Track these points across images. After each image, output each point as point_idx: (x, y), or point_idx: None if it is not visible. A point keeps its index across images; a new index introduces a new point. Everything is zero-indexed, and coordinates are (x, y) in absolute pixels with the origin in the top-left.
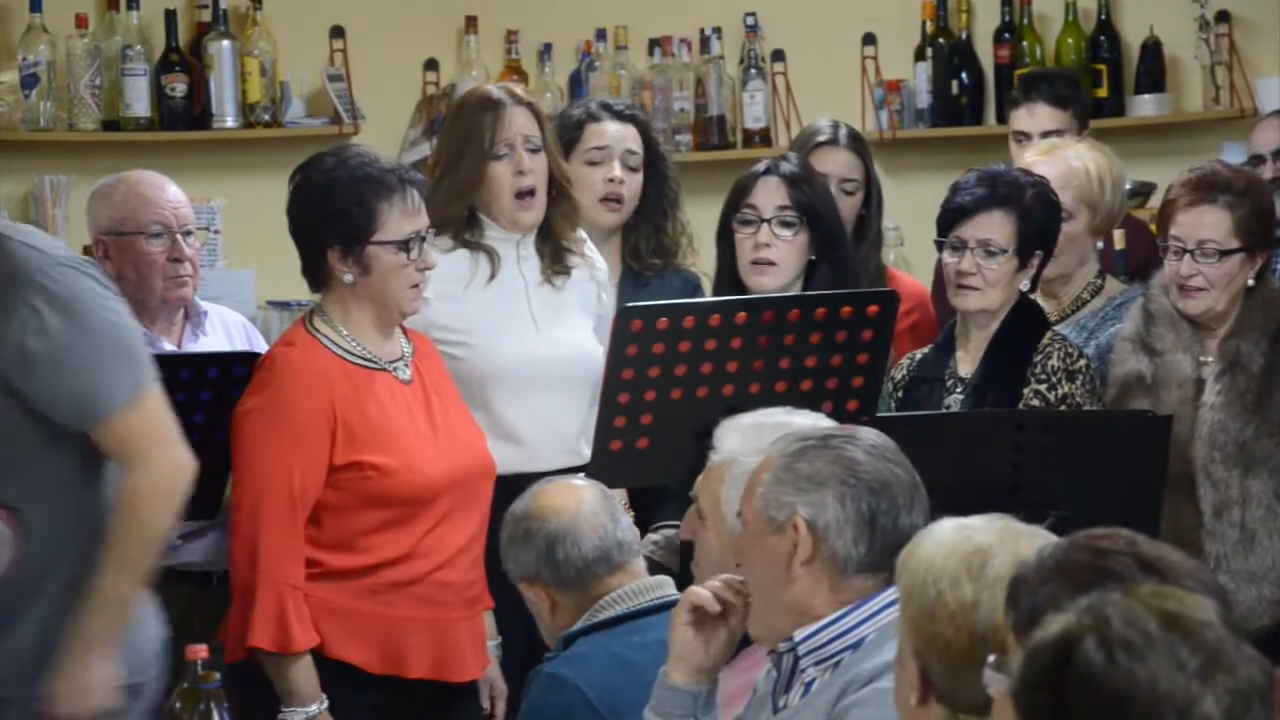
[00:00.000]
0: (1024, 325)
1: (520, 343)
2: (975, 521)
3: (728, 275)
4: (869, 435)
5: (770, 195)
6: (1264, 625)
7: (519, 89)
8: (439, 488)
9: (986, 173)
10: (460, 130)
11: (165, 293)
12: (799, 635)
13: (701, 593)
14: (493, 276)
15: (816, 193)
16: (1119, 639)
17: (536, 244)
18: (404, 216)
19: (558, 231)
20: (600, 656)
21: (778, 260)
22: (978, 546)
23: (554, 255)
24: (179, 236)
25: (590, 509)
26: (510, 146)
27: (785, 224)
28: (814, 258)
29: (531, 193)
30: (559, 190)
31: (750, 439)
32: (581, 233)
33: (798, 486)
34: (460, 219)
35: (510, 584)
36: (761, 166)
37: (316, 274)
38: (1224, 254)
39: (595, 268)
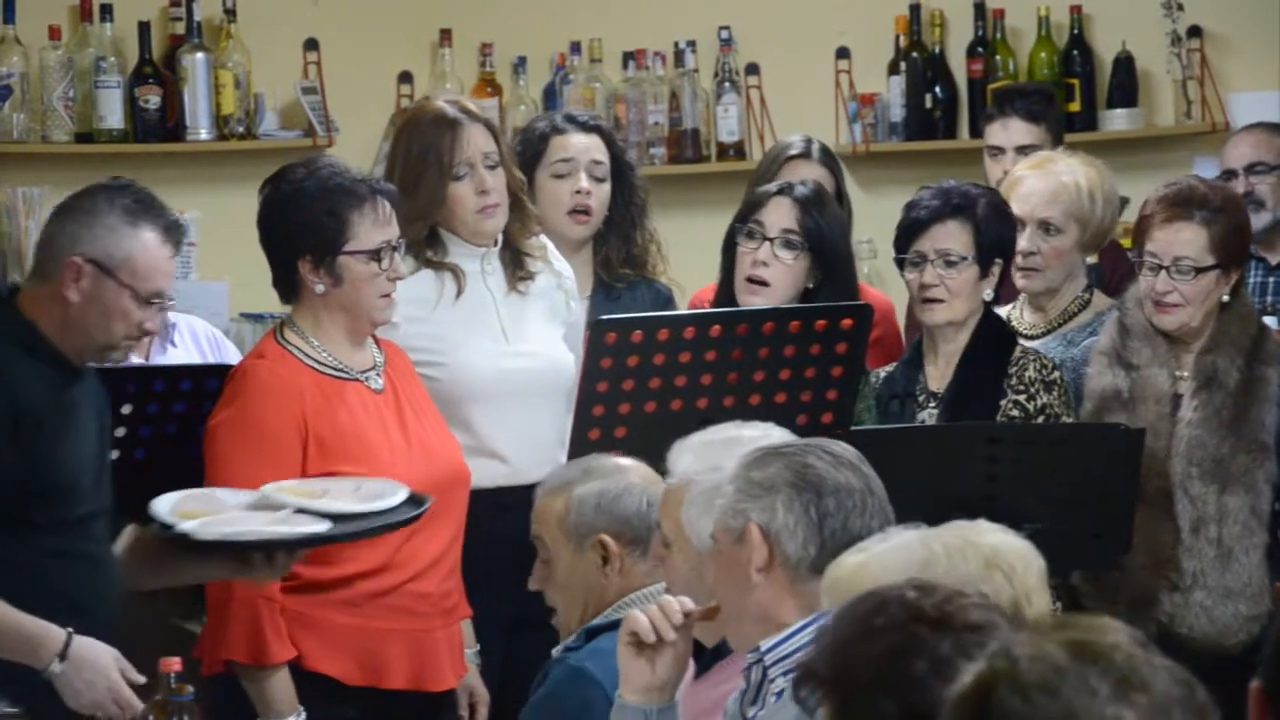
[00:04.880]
0: (993, 338)
1: (492, 357)
2: (904, 534)
3: (728, 287)
4: (830, 445)
5: (779, 215)
6: (1240, 641)
7: (471, 104)
8: None
9: (939, 187)
10: (416, 150)
11: None
12: (765, 645)
13: (639, 619)
14: (459, 293)
15: (827, 220)
16: (1031, 679)
17: (500, 256)
18: (375, 226)
19: (516, 240)
20: None
21: (771, 281)
22: (978, 543)
23: (515, 262)
24: None
25: None
26: (470, 166)
27: (787, 245)
28: (812, 285)
29: (496, 206)
30: (514, 199)
31: (702, 457)
32: (544, 239)
33: (751, 494)
34: (420, 240)
35: (487, 590)
36: (775, 186)
37: (287, 285)
38: (1199, 271)
39: (561, 275)
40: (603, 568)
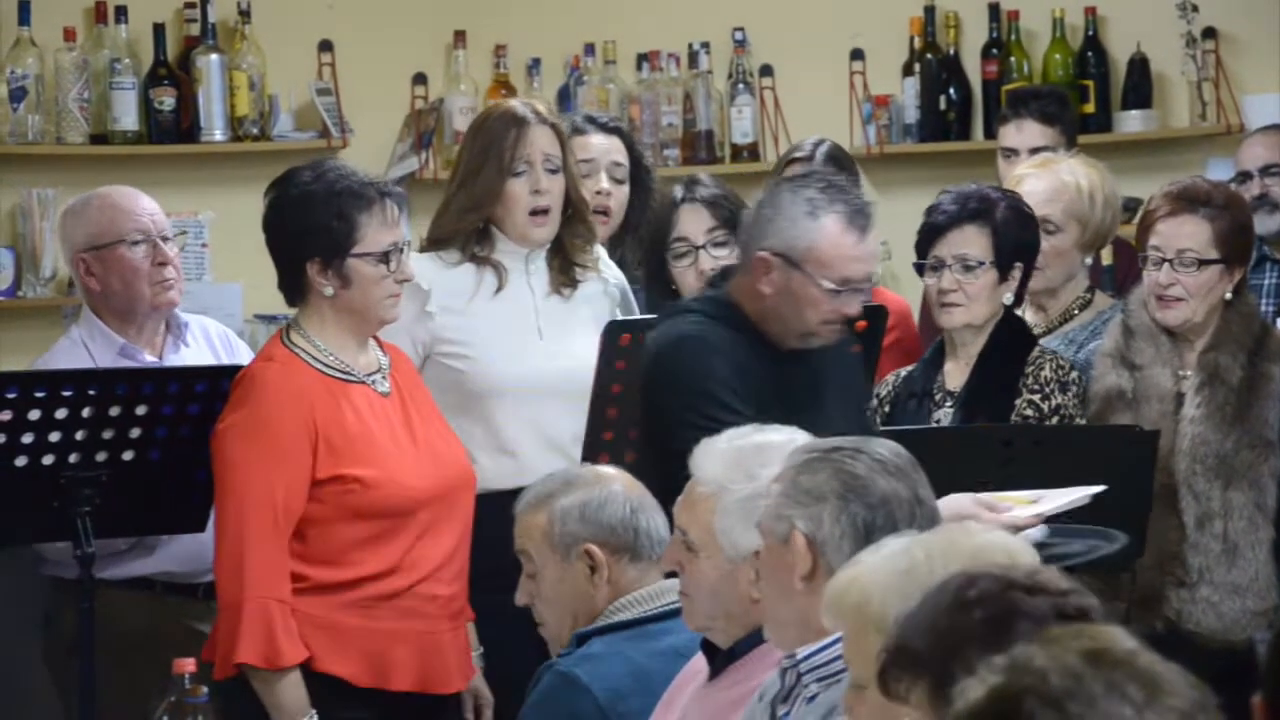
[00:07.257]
0: (1011, 339)
1: (522, 356)
2: (895, 542)
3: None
4: (877, 447)
5: (697, 221)
6: (1248, 637)
7: (543, 108)
8: (421, 499)
9: (959, 191)
10: (481, 144)
11: (154, 299)
12: (801, 653)
13: None
14: (499, 289)
15: (737, 207)
16: (1062, 691)
17: (547, 258)
18: (383, 228)
19: (569, 252)
20: (614, 660)
21: None
22: (961, 545)
23: (563, 269)
24: (159, 242)
25: (650, 496)
26: (529, 164)
27: (719, 244)
28: None
29: (545, 211)
30: (575, 212)
31: (732, 464)
32: (600, 250)
33: (798, 500)
34: (472, 232)
35: (496, 593)
36: (678, 194)
37: (294, 287)
38: (1203, 264)
39: (609, 282)
40: (591, 577)
